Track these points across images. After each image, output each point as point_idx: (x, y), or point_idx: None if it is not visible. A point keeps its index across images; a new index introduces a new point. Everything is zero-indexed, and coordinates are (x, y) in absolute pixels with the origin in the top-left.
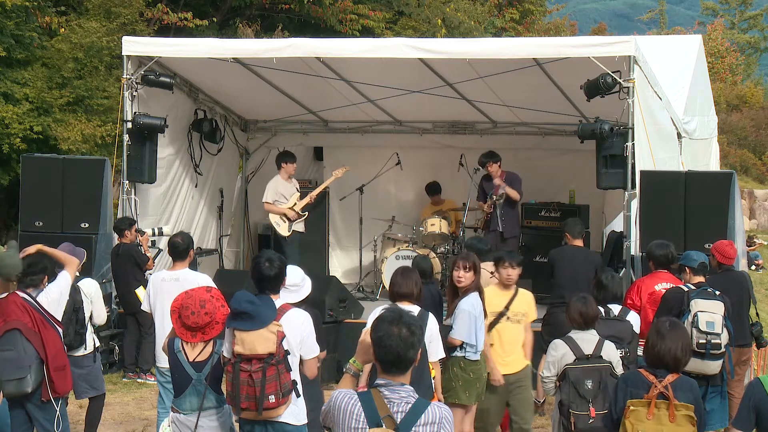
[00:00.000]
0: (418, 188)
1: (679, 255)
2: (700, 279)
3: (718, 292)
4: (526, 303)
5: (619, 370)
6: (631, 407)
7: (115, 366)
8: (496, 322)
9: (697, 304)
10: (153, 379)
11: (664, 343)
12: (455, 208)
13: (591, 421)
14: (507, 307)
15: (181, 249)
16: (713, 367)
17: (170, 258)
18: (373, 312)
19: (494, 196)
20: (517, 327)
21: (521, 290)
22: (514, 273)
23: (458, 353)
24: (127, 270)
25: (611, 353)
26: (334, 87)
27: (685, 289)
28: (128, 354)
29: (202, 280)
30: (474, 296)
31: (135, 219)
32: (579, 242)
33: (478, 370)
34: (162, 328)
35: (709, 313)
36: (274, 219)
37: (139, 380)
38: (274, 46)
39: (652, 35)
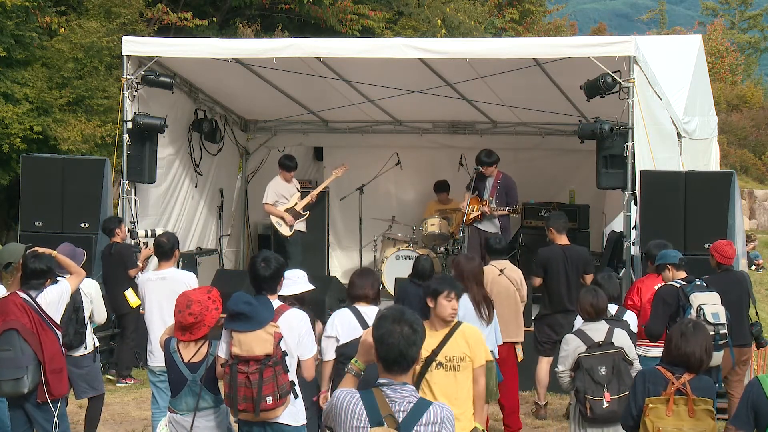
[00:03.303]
0: (418, 188)
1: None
2: (683, 274)
3: (705, 284)
4: (466, 343)
5: (632, 355)
6: (650, 405)
7: (116, 366)
8: (425, 370)
9: (697, 298)
10: (131, 381)
11: (688, 345)
12: (459, 208)
13: (606, 405)
14: (436, 352)
15: (166, 249)
16: (717, 358)
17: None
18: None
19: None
20: (454, 376)
21: (463, 326)
22: (458, 306)
23: None
24: (117, 270)
25: (622, 339)
26: (334, 87)
27: (677, 285)
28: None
29: (188, 278)
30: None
31: (135, 218)
32: (564, 238)
33: None
34: (152, 329)
35: (711, 305)
36: (275, 219)
37: (119, 384)
38: (274, 46)
39: (652, 35)
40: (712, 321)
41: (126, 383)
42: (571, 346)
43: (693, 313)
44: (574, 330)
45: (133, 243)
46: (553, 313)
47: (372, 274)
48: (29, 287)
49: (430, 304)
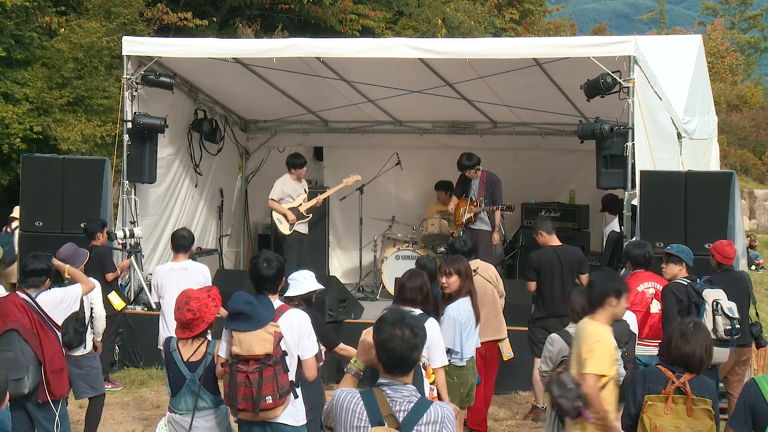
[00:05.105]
0: (418, 188)
1: (666, 245)
2: (685, 274)
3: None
4: None
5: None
6: (649, 402)
7: (116, 365)
8: None
9: (709, 294)
10: (109, 386)
11: (688, 345)
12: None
13: None
14: None
15: (186, 242)
16: (724, 354)
17: (170, 250)
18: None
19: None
20: None
21: None
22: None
23: None
24: (95, 274)
25: None
26: (334, 87)
27: (683, 282)
28: None
29: (204, 270)
30: (462, 302)
31: (135, 218)
32: (555, 239)
33: (463, 375)
34: (171, 318)
35: (724, 300)
36: (276, 216)
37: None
38: (274, 46)
39: (652, 35)
40: (729, 315)
41: (111, 388)
42: (556, 348)
43: (708, 308)
44: (560, 330)
45: (121, 245)
46: (549, 316)
47: (421, 277)
48: (27, 285)
49: (612, 303)
